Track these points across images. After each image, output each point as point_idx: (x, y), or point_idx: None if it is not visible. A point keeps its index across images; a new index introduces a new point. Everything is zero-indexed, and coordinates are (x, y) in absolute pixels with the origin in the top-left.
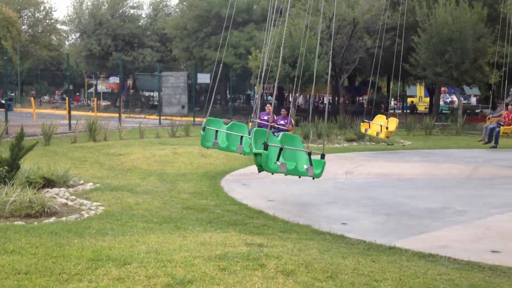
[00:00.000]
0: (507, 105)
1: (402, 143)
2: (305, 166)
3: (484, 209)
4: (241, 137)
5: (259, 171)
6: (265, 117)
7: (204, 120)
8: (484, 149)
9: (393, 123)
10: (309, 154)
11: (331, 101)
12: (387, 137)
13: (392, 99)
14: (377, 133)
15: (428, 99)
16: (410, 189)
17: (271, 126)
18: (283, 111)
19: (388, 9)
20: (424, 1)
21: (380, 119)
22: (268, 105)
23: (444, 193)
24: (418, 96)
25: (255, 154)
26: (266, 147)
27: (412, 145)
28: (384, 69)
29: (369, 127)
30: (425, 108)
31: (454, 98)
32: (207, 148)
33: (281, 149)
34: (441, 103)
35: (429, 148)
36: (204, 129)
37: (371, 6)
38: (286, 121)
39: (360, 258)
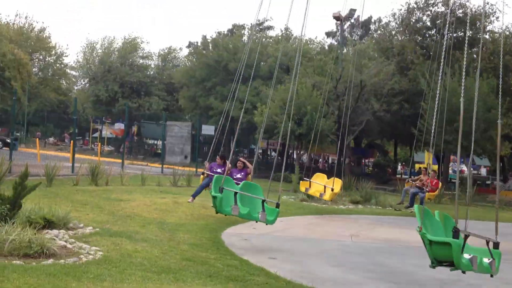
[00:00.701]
0: (426, 170)
1: (411, 210)
2: (486, 260)
3: (496, 283)
4: (263, 201)
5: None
6: (218, 170)
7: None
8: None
9: (337, 184)
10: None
11: (335, 162)
12: (331, 199)
13: (399, 164)
14: (321, 194)
15: (436, 166)
16: (420, 257)
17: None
18: (238, 163)
19: (396, 74)
20: (430, 71)
21: (320, 179)
22: (218, 157)
23: None
24: (426, 162)
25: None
26: (221, 190)
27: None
28: (391, 133)
29: (310, 187)
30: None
31: (463, 167)
32: (225, 215)
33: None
34: (450, 171)
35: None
36: (221, 190)
37: (379, 70)
38: (242, 173)
39: None
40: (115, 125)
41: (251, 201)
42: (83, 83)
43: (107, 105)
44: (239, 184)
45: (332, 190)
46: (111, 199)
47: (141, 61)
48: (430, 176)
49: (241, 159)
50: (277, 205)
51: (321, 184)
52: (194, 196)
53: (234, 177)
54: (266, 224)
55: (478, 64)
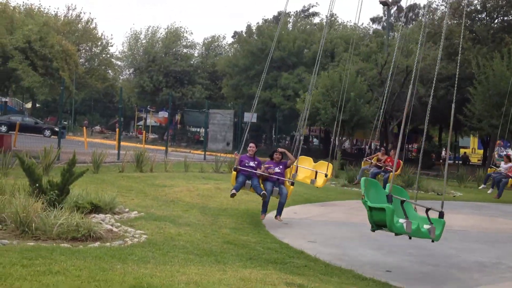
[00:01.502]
0: (385, 148)
1: (453, 194)
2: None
3: None
4: (427, 210)
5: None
6: (251, 163)
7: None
8: None
9: (329, 169)
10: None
11: (378, 147)
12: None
13: (444, 149)
14: (312, 181)
15: (481, 151)
16: (460, 241)
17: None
18: (276, 155)
19: (443, 59)
20: (479, 55)
21: (308, 163)
22: (250, 146)
23: (497, 248)
24: (471, 147)
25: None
26: (390, 198)
27: (463, 196)
28: (437, 119)
29: (296, 172)
30: (478, 160)
31: (509, 151)
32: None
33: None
34: (495, 156)
35: (482, 201)
36: (390, 198)
37: (425, 55)
38: (280, 167)
39: None
40: (159, 114)
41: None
42: (128, 73)
43: (152, 94)
44: (277, 181)
45: (326, 176)
46: (155, 185)
47: (184, 50)
48: (391, 155)
49: (280, 149)
50: (441, 215)
51: (310, 169)
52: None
53: (271, 170)
54: (432, 241)
55: None
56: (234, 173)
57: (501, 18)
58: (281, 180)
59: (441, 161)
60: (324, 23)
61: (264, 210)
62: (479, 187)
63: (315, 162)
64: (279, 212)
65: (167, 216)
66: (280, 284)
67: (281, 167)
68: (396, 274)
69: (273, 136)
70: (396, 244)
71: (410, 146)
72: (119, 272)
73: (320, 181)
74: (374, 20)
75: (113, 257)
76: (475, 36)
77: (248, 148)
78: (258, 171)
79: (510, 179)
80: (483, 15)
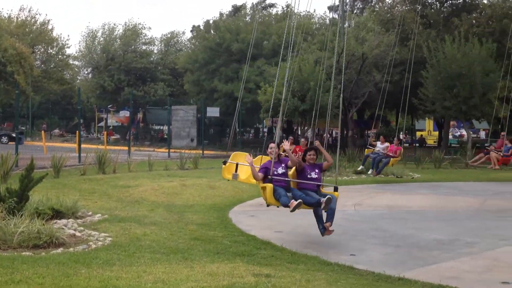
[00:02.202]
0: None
1: (412, 176)
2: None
3: (493, 240)
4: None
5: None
6: (280, 170)
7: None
8: (493, 182)
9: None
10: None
11: (339, 134)
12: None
13: (401, 133)
14: None
15: (437, 132)
16: (420, 221)
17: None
18: (310, 154)
19: (396, 45)
20: (430, 39)
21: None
22: (283, 143)
23: (454, 225)
24: (427, 129)
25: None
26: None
27: (421, 177)
28: (393, 103)
29: (236, 172)
30: (434, 141)
31: (463, 132)
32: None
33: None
34: (450, 137)
35: (438, 181)
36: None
37: (380, 41)
38: (316, 171)
39: None
40: (120, 113)
41: None
42: (86, 72)
43: (113, 94)
44: (318, 188)
45: None
46: (118, 186)
47: (143, 47)
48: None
49: (318, 143)
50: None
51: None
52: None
53: (308, 176)
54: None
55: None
56: (270, 186)
57: (451, 1)
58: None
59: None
60: (281, 15)
61: (322, 221)
62: (358, 168)
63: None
64: (330, 219)
65: (132, 217)
66: (247, 276)
67: (317, 171)
68: (360, 257)
69: (237, 130)
70: (360, 228)
71: (369, 132)
72: (84, 277)
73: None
74: (331, 8)
75: (77, 262)
76: (426, 20)
77: (269, 151)
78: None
79: (391, 158)
80: (433, 0)
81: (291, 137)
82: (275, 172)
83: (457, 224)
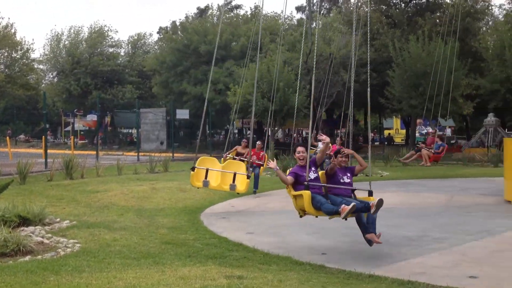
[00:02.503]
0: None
1: (380, 174)
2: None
3: (460, 236)
4: (234, 174)
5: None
6: (312, 175)
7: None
8: (459, 179)
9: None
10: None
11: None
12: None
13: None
14: (232, 186)
15: (404, 131)
16: (389, 218)
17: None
18: (341, 158)
19: (363, 45)
20: (396, 38)
21: (211, 163)
22: (299, 148)
23: (422, 221)
24: (395, 128)
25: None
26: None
27: (389, 175)
28: (361, 103)
29: (207, 179)
30: (402, 139)
31: (430, 129)
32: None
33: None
34: (417, 134)
35: (407, 178)
36: (193, 169)
37: (346, 41)
38: (348, 175)
39: (340, 287)
40: (87, 117)
41: None
42: (52, 76)
43: (80, 97)
44: (353, 193)
45: (248, 177)
46: (87, 191)
47: (110, 50)
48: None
49: (346, 150)
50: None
51: (228, 172)
52: None
53: (341, 181)
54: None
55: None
56: (308, 193)
57: (414, 1)
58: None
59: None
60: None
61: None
62: None
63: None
64: (373, 228)
65: (101, 222)
66: (219, 278)
67: (349, 175)
68: (331, 255)
69: (207, 132)
70: (331, 227)
71: (338, 131)
72: (53, 284)
73: (242, 185)
74: (298, 9)
75: (46, 270)
76: (391, 20)
77: (297, 155)
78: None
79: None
80: (398, 0)
81: (259, 142)
82: (310, 178)
83: (426, 220)
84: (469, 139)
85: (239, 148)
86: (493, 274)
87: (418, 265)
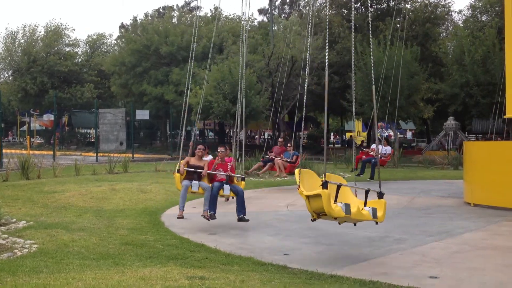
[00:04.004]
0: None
1: (343, 176)
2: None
3: (421, 237)
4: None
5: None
6: None
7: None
8: (420, 181)
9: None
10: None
11: (272, 136)
12: None
13: (331, 134)
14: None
15: (365, 133)
16: None
17: None
18: None
19: (325, 48)
20: (357, 42)
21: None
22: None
23: (384, 222)
24: (356, 131)
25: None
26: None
27: (351, 177)
28: (323, 105)
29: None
30: (361, 142)
31: (391, 132)
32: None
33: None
34: (378, 137)
35: (368, 180)
36: (179, 171)
37: (308, 45)
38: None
39: (302, 287)
40: (44, 117)
41: None
42: (7, 75)
43: (36, 97)
44: None
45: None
46: (44, 191)
47: (67, 49)
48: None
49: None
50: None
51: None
52: None
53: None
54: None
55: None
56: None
57: (375, 6)
58: None
59: (330, 145)
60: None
61: None
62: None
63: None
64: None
65: (59, 223)
66: (181, 279)
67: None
68: (293, 256)
69: (168, 133)
70: (293, 228)
71: (300, 133)
72: (10, 285)
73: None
74: (261, 11)
75: (2, 270)
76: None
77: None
78: None
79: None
80: (358, 5)
81: (221, 149)
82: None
83: (387, 221)
84: (429, 142)
85: (192, 160)
86: (453, 275)
87: (380, 265)
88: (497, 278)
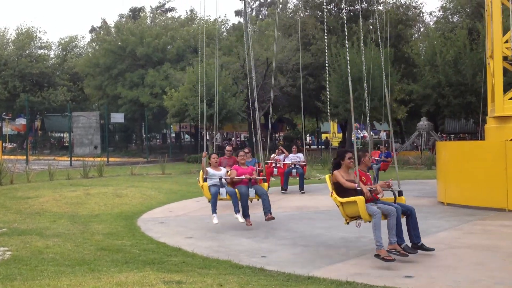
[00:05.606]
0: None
1: (319, 177)
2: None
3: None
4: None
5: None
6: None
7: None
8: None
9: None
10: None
11: (248, 138)
12: None
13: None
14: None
15: (341, 134)
16: (327, 220)
17: None
18: None
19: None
20: (332, 44)
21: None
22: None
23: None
24: (332, 132)
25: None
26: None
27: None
28: (298, 107)
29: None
30: (339, 143)
31: (365, 133)
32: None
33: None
34: (353, 138)
35: None
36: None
37: (283, 47)
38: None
39: None
40: (16, 121)
41: None
42: None
43: (8, 101)
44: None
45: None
46: (17, 197)
47: (39, 51)
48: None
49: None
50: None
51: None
52: None
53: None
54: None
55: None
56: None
57: (348, 8)
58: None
59: (306, 146)
60: (185, 20)
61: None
62: None
63: (189, 160)
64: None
65: (33, 229)
66: (158, 283)
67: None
68: (271, 258)
69: (143, 136)
70: (269, 231)
71: (277, 135)
72: None
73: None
74: (237, 13)
75: None
76: (326, 26)
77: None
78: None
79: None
80: (332, 6)
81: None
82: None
83: (362, 222)
84: (403, 142)
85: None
86: (427, 274)
87: (356, 265)
88: (470, 277)
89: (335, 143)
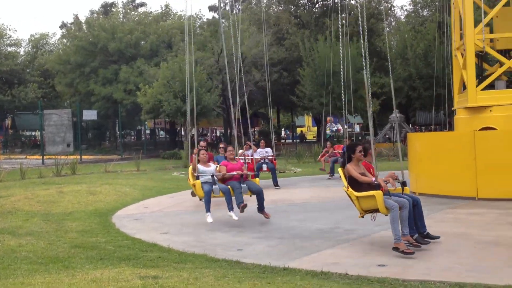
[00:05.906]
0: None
1: (294, 170)
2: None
3: (370, 227)
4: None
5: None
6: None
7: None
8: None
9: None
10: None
11: (223, 133)
12: None
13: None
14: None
15: (316, 128)
16: (302, 212)
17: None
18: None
19: (273, 44)
20: (305, 38)
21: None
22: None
23: (334, 214)
24: (307, 126)
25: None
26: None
27: (302, 171)
28: (273, 101)
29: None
30: (314, 137)
31: (340, 126)
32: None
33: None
34: (328, 131)
35: (319, 174)
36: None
37: (257, 42)
38: None
39: (256, 281)
40: None
41: None
42: None
43: None
44: None
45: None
46: None
47: (9, 49)
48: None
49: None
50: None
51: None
52: None
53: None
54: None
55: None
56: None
57: (321, 3)
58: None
59: (281, 141)
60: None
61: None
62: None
63: (164, 156)
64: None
65: (5, 228)
66: (133, 279)
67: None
68: (246, 251)
69: (117, 133)
70: (245, 225)
71: (252, 130)
72: None
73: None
74: (211, 8)
75: None
76: (300, 21)
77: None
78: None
79: None
80: (305, 1)
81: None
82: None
83: (337, 213)
84: (376, 134)
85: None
86: (400, 262)
87: (331, 256)
88: (442, 264)
89: (309, 136)
